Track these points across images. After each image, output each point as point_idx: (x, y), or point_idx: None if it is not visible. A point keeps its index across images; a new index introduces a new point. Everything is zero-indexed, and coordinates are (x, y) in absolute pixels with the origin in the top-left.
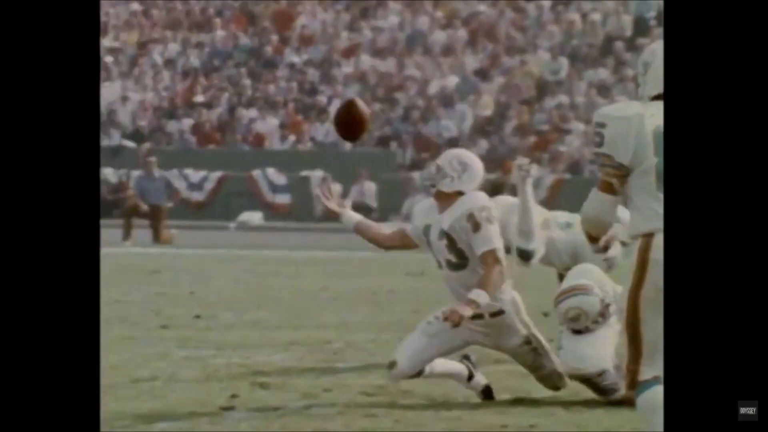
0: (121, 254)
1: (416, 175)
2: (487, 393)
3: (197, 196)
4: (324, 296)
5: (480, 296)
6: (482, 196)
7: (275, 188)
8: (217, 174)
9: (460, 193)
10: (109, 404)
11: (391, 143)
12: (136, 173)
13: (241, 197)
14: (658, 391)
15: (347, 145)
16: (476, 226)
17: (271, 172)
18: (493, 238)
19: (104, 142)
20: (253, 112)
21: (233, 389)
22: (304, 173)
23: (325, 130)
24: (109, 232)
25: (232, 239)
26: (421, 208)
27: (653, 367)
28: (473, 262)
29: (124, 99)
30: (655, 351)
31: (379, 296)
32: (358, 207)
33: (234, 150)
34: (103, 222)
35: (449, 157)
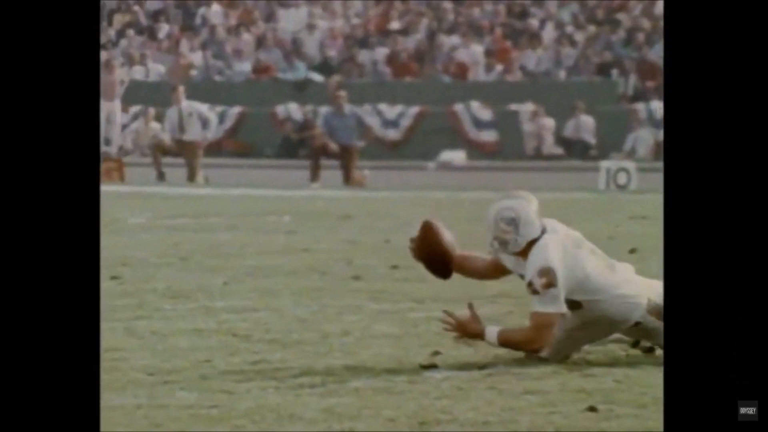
0: (308, 197)
1: (640, 106)
2: (649, 351)
3: (392, 134)
4: None
5: (492, 340)
6: (545, 250)
7: (479, 124)
8: (414, 109)
9: (533, 241)
10: (297, 360)
11: (611, 71)
12: (324, 109)
13: (441, 134)
14: None
15: (561, 75)
16: (534, 292)
17: (475, 105)
18: (549, 302)
19: (288, 75)
20: (455, 39)
21: (434, 346)
22: (512, 107)
23: (536, 58)
24: (295, 173)
25: (431, 181)
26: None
27: None
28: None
29: (311, 27)
30: None
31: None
32: (575, 144)
33: (433, 82)
34: (288, 163)
35: (492, 221)
